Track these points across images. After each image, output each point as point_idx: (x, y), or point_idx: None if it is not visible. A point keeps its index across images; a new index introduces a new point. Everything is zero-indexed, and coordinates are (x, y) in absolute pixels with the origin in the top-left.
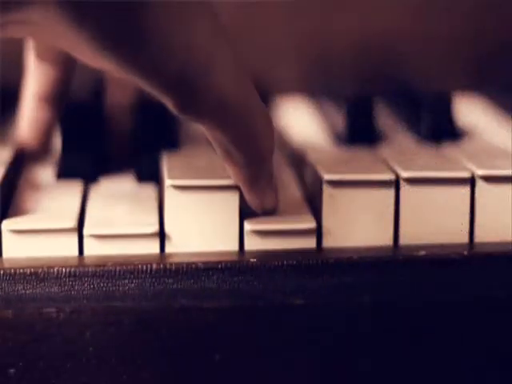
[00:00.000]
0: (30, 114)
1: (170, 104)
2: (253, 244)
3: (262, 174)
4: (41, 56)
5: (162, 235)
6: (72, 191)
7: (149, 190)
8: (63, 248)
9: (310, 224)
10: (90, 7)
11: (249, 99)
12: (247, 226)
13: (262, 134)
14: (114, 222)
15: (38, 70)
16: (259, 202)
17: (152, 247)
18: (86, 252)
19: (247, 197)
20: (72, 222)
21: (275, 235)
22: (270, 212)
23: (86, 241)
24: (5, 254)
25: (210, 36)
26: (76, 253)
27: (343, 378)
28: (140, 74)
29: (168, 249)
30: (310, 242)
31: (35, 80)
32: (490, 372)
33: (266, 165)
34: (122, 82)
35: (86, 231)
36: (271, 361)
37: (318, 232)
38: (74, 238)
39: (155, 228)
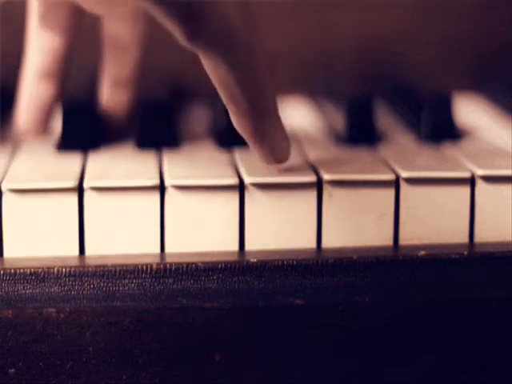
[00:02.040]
0: (31, 91)
1: (178, 32)
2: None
3: (267, 121)
4: (45, 22)
5: (162, 234)
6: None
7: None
8: (63, 208)
9: (310, 177)
10: None
11: (254, 38)
12: (248, 179)
13: (264, 76)
14: (114, 175)
15: (41, 40)
16: (269, 152)
17: (152, 202)
18: (87, 207)
19: (256, 149)
20: (72, 182)
21: (277, 188)
22: (282, 161)
23: (86, 195)
24: (5, 216)
25: None
26: (76, 212)
27: (343, 377)
28: (152, 1)
29: (168, 249)
30: (310, 195)
31: (37, 53)
32: (489, 372)
33: (270, 112)
34: (119, 80)
35: (86, 184)
36: (271, 361)
37: (318, 232)
38: (75, 198)
39: (155, 181)
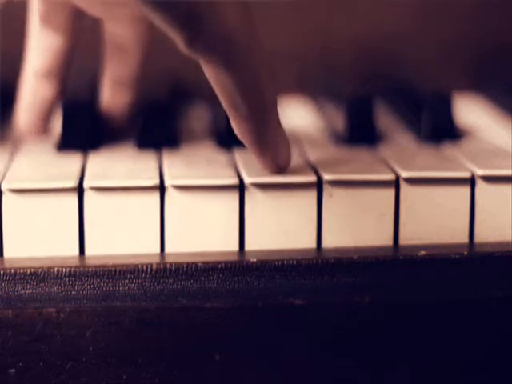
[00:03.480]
0: (31, 92)
1: (178, 39)
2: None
3: (268, 128)
4: (46, 21)
5: (162, 234)
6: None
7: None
8: (64, 208)
9: (310, 177)
10: None
11: (254, 43)
12: (248, 179)
13: (264, 81)
14: (114, 175)
15: (42, 40)
16: (270, 159)
17: (152, 202)
18: (87, 207)
19: (257, 156)
20: (72, 181)
21: (277, 188)
22: (284, 169)
23: (86, 196)
24: (5, 216)
25: None
26: (76, 212)
27: (343, 377)
28: (151, 8)
29: (168, 249)
30: (310, 196)
31: (39, 53)
32: (489, 372)
33: (272, 116)
34: (120, 82)
35: (86, 184)
36: (271, 361)
37: (318, 232)
38: (75, 198)
39: (155, 181)
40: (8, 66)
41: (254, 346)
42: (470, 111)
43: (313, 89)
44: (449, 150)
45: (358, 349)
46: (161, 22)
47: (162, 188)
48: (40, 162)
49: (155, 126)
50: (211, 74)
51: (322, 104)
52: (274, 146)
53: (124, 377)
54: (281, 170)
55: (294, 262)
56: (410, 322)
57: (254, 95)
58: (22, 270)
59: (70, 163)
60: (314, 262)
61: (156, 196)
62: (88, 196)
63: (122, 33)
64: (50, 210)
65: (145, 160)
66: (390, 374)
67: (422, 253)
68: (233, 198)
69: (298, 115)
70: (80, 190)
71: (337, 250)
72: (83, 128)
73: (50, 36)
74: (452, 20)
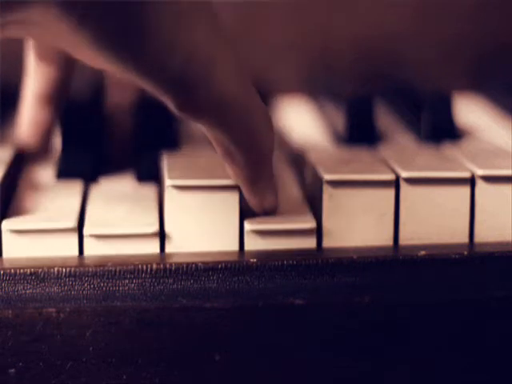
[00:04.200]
0: (29, 114)
1: (170, 103)
2: (253, 244)
3: (263, 174)
4: (41, 56)
5: (162, 235)
6: (72, 191)
7: (149, 190)
8: (63, 248)
9: (310, 224)
10: (90, 7)
11: (249, 98)
12: (247, 225)
13: (262, 133)
14: (114, 222)
15: (37, 69)
16: (259, 202)
17: (152, 247)
18: (86, 252)
19: (247, 197)
20: (72, 222)
21: (275, 235)
22: (270, 212)
23: (86, 241)
24: (5, 255)
25: (211, 35)
26: (76, 253)
27: (343, 377)
28: (141, 74)
29: (168, 249)
30: (310, 242)
31: (35, 80)
32: (490, 372)
33: (267, 165)
34: (123, 81)
35: (86, 231)
36: (271, 361)
37: (318, 232)
38: (74, 238)
39: (155, 228)
40: (8, 66)
41: (254, 346)
42: (470, 111)
43: (313, 89)
44: (449, 150)
45: (357, 349)
46: (150, 89)
47: (161, 188)
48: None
49: (155, 126)
50: (206, 130)
51: (322, 104)
52: (264, 192)
53: (124, 377)
54: (266, 213)
55: (294, 262)
56: (410, 322)
57: (250, 149)
58: (21, 270)
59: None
60: (314, 262)
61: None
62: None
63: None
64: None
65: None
66: (390, 374)
67: (422, 253)
68: (233, 198)
69: (298, 115)
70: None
71: (337, 250)
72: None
73: (44, 67)
74: (452, 20)
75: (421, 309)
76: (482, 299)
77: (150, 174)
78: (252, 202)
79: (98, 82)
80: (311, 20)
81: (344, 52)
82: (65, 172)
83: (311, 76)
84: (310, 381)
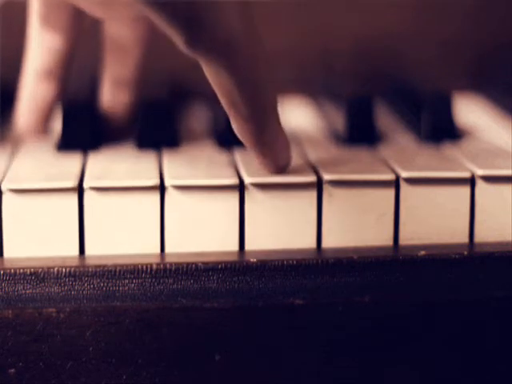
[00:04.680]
0: (31, 90)
1: (178, 39)
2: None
3: (268, 126)
4: (46, 22)
5: (162, 235)
6: (72, 158)
7: (149, 157)
8: (64, 208)
9: (310, 177)
10: None
11: (255, 42)
12: (248, 179)
13: (265, 81)
14: (114, 176)
15: (41, 40)
16: (270, 159)
17: (152, 201)
18: (87, 208)
19: (256, 155)
20: (72, 181)
21: (277, 188)
22: (284, 169)
23: (86, 196)
24: (5, 216)
25: None
26: (76, 211)
27: (343, 377)
28: (151, 7)
29: (168, 249)
30: (310, 195)
31: (38, 53)
32: (490, 372)
33: (272, 117)
34: (120, 81)
35: (86, 184)
36: (271, 361)
37: (318, 232)
38: (75, 198)
39: (155, 181)
40: (8, 66)
41: (254, 346)
42: (470, 111)
43: (313, 89)
44: (449, 149)
45: (358, 349)
46: (161, 22)
47: (162, 188)
48: (40, 162)
49: (155, 125)
50: (211, 73)
51: (322, 104)
52: (273, 146)
53: (124, 377)
54: (281, 170)
55: (294, 262)
56: (409, 322)
57: (254, 95)
58: (21, 270)
59: (70, 163)
60: (314, 262)
61: (156, 196)
62: (88, 196)
63: (121, 32)
64: (50, 210)
65: (145, 160)
66: (390, 374)
67: (422, 253)
68: (233, 198)
69: (298, 115)
70: (80, 190)
71: (337, 250)
72: (83, 128)
73: (49, 36)
74: (452, 20)
75: (421, 309)
76: (482, 299)
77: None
78: (263, 160)
79: (92, 86)
80: (311, 20)
81: (344, 52)
82: (65, 144)
83: (311, 76)
84: (310, 381)
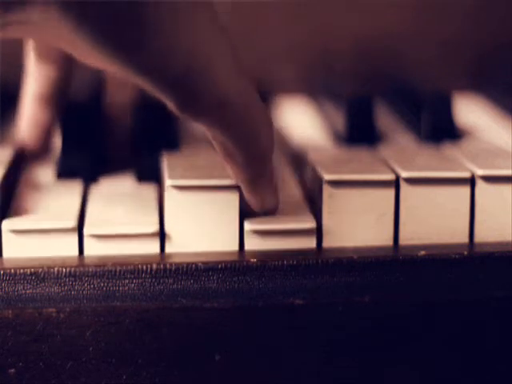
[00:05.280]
0: (29, 114)
1: (170, 104)
2: (253, 244)
3: (263, 173)
4: (40, 56)
5: (162, 235)
6: (72, 191)
7: (149, 190)
8: (63, 248)
9: (310, 224)
10: (90, 7)
11: (249, 98)
12: (247, 225)
13: (261, 133)
14: (114, 221)
15: (37, 69)
16: (260, 202)
17: (152, 247)
18: (87, 253)
19: (247, 197)
20: (72, 222)
21: (275, 235)
22: (270, 212)
23: (86, 241)
24: (5, 255)
25: (211, 35)
26: (76, 253)
27: (343, 377)
28: (141, 75)
29: (168, 249)
30: (309, 242)
31: (34, 80)
32: (489, 372)
33: (267, 165)
34: (122, 81)
35: (86, 231)
36: (271, 361)
37: (318, 232)
38: (74, 238)
39: (155, 228)
40: (8, 66)
41: (254, 346)
42: (470, 111)
43: (313, 89)
44: (449, 149)
45: (358, 349)
46: (151, 89)
47: (161, 188)
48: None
49: (155, 126)
50: (205, 129)
51: (322, 104)
52: (263, 193)
53: (124, 377)
54: (266, 212)
55: (294, 262)
56: (409, 322)
57: (250, 149)
58: (21, 270)
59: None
60: (314, 262)
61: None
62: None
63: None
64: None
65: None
66: (390, 374)
67: (422, 253)
68: (233, 198)
69: (298, 115)
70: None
71: (337, 250)
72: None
73: (44, 66)
74: (452, 20)
75: (421, 309)
76: (482, 299)
77: (150, 174)
78: (252, 202)
79: (98, 82)
80: (311, 20)
81: (344, 52)
82: (64, 172)
83: (311, 76)
84: (310, 381)
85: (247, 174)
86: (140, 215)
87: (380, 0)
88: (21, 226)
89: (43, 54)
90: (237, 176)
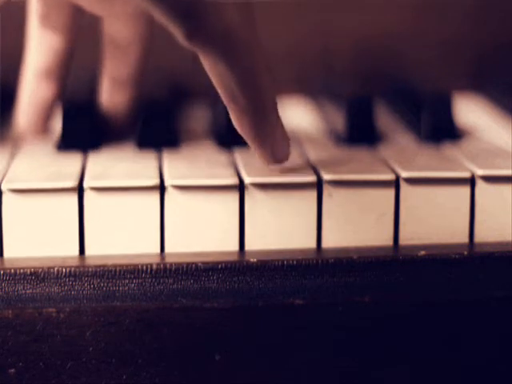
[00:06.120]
0: (30, 90)
1: (178, 32)
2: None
3: (267, 118)
4: (45, 22)
5: (162, 234)
6: (72, 158)
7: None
8: (64, 208)
9: (310, 177)
10: None
11: (253, 36)
12: (248, 179)
13: (263, 74)
14: (114, 176)
15: (41, 40)
16: (269, 152)
17: (152, 202)
18: (87, 208)
19: (255, 147)
20: (72, 181)
21: (277, 188)
22: (282, 161)
23: (86, 196)
24: (5, 217)
25: None
26: (76, 210)
27: (343, 377)
28: (150, 1)
29: (168, 249)
30: (310, 195)
31: (37, 53)
32: (489, 372)
33: (270, 109)
34: (121, 81)
35: (86, 184)
36: (271, 361)
37: (318, 232)
38: (75, 198)
39: (156, 181)
40: (8, 66)
41: (254, 346)
42: (470, 111)
43: (313, 89)
44: (449, 149)
45: (358, 349)
46: (160, 16)
47: (161, 188)
48: (40, 162)
49: (155, 125)
50: (210, 66)
51: (322, 104)
52: (272, 139)
53: (124, 377)
54: (279, 162)
55: (294, 262)
56: (410, 322)
57: (253, 88)
58: (22, 270)
59: (70, 163)
60: (314, 262)
61: (156, 196)
62: (88, 196)
63: (120, 30)
64: (50, 210)
65: (145, 160)
66: (390, 374)
67: (422, 253)
68: (233, 198)
69: (298, 115)
70: (80, 190)
71: (337, 249)
72: (83, 128)
73: (49, 36)
74: (452, 20)
75: (421, 309)
76: (482, 299)
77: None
78: (261, 152)
79: (95, 81)
80: (311, 20)
81: (344, 52)
82: (65, 144)
83: (311, 76)
84: (310, 381)
85: (251, 119)
86: (140, 171)
87: (380, 0)
88: (21, 185)
89: (49, 20)
90: (241, 123)
